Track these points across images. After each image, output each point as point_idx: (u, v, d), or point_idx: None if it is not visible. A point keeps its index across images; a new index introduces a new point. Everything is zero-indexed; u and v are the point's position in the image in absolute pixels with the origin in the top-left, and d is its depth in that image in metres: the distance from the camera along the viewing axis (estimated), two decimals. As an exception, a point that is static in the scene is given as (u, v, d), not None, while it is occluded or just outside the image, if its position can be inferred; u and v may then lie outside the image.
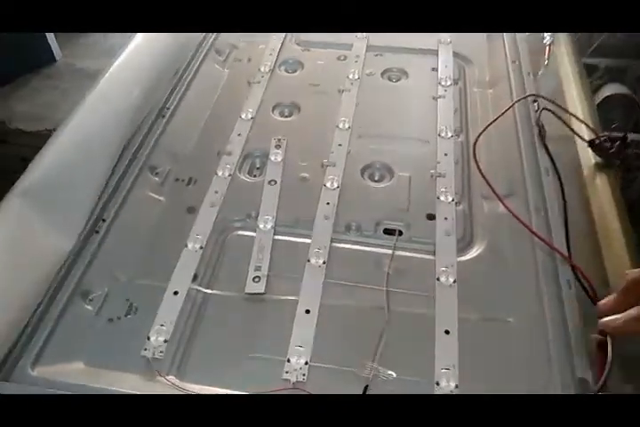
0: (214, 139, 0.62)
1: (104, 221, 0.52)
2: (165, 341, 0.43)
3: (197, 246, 0.50)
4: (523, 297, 0.43)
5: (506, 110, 0.54)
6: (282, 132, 0.63)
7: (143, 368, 0.42)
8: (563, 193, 0.46)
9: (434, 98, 0.64)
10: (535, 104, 0.56)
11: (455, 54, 0.70)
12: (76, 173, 0.51)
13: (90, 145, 0.53)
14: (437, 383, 0.38)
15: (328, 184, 0.55)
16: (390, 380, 0.39)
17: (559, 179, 0.48)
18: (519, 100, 0.56)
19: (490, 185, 0.48)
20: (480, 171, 0.50)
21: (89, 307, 0.46)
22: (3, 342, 0.40)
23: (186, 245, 0.50)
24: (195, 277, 0.48)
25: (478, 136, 0.53)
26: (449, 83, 0.65)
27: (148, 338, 0.43)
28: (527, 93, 0.58)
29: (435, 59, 0.70)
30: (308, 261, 0.47)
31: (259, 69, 0.72)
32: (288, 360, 0.41)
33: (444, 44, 0.72)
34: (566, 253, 0.42)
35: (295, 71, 0.73)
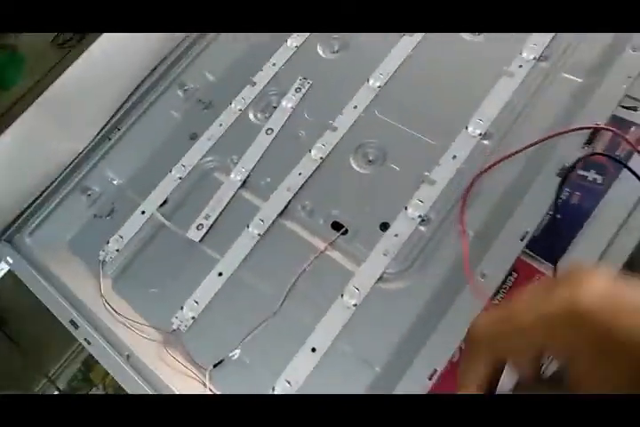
0: (249, 64, 0.60)
1: (119, 129, 0.59)
2: (118, 250, 0.53)
3: (177, 176, 0.55)
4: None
5: (540, 141, 0.42)
6: (316, 69, 0.58)
7: (96, 266, 0.53)
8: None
9: (500, 73, 0.50)
10: (596, 136, 0.41)
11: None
12: (99, 84, 0.56)
13: (116, 60, 0.57)
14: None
15: (313, 153, 0.52)
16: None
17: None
18: (571, 131, 0.41)
19: (463, 225, 0.42)
20: (463, 206, 0.42)
21: (84, 200, 0.57)
22: (11, 210, 0.55)
23: (170, 171, 0.56)
24: (164, 203, 0.55)
25: (487, 168, 0.43)
26: (532, 57, 0.50)
27: (108, 242, 0.53)
28: (593, 122, 0.41)
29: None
30: (247, 227, 0.50)
31: None
32: (181, 308, 0.47)
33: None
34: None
35: None
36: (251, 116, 0.57)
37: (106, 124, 0.59)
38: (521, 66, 0.50)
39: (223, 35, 0.63)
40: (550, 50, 0.49)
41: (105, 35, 0.57)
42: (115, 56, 0.58)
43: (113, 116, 0.59)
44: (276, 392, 0.41)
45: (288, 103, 0.56)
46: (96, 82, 0.57)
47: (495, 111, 0.48)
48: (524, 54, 0.50)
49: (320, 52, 0.59)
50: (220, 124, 0.57)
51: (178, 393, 0.43)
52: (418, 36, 0.55)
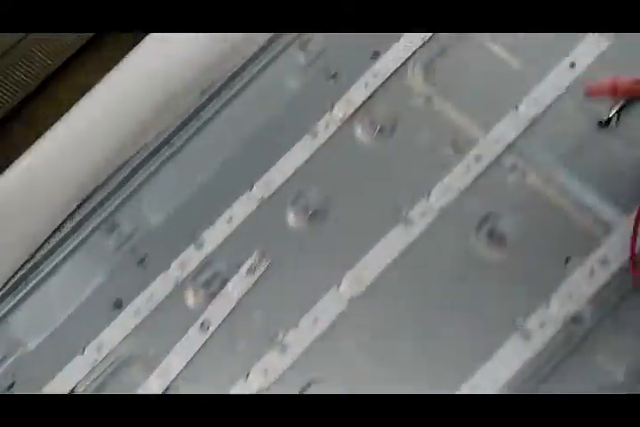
0: (203, 210, 0.47)
1: (28, 283, 0.48)
2: None
3: (92, 358, 0.45)
4: None
5: None
6: (279, 240, 0.44)
7: None
8: None
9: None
10: None
11: None
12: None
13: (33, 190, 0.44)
14: None
15: (250, 377, 0.40)
16: None
17: None
18: None
19: None
20: None
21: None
22: None
23: (83, 350, 0.45)
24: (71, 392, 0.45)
25: None
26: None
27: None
28: None
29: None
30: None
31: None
32: None
33: None
34: None
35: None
36: (189, 293, 0.45)
37: (15, 273, 0.48)
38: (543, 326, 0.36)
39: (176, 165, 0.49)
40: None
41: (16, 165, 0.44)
42: (30, 186, 0.46)
43: (26, 262, 0.48)
44: None
45: (235, 289, 0.44)
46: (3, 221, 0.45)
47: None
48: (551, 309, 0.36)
49: (290, 216, 0.45)
50: (151, 296, 0.46)
51: None
52: (420, 226, 0.41)
